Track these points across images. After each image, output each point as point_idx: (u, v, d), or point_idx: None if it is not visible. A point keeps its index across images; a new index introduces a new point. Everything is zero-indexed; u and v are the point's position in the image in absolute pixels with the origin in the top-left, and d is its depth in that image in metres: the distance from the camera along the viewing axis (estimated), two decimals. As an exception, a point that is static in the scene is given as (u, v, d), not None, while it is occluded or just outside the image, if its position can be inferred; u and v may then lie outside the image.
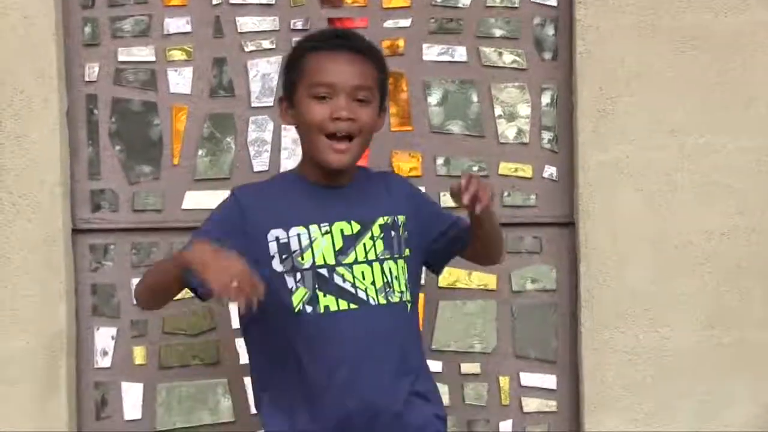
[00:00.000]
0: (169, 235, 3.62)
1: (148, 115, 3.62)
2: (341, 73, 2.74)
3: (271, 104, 3.63)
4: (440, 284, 3.64)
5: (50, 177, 3.51)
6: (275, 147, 3.64)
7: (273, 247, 2.77)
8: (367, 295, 2.77)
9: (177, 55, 3.62)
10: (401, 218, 2.88)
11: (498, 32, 3.66)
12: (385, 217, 2.83)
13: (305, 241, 2.75)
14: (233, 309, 3.60)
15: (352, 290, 2.76)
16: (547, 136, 3.67)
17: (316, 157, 2.81)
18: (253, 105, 3.63)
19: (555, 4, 3.65)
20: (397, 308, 2.82)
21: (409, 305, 2.86)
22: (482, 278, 3.66)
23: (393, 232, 2.80)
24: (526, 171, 3.67)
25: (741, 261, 3.58)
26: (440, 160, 3.67)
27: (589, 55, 3.56)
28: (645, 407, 3.58)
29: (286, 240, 2.74)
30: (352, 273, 2.76)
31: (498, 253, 3.04)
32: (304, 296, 2.77)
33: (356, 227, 2.77)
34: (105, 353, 3.62)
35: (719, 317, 3.60)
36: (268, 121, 3.64)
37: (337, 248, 2.76)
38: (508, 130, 3.67)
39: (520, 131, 3.67)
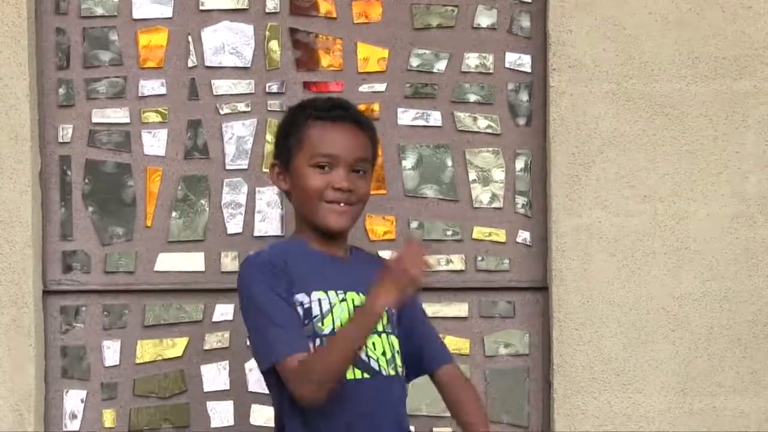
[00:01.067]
0: (142, 297, 3.61)
1: (122, 177, 3.62)
2: (343, 144, 2.76)
3: (246, 167, 3.65)
4: (413, 348, 3.61)
5: (21, 238, 3.50)
6: (249, 209, 3.64)
7: (301, 312, 2.75)
8: (379, 366, 2.75)
9: (152, 116, 3.63)
10: None
11: (473, 97, 3.68)
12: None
13: (326, 307, 2.73)
14: (205, 372, 3.57)
15: (366, 359, 2.74)
16: (521, 200, 3.67)
17: (315, 221, 2.80)
18: (227, 167, 3.64)
19: (529, 70, 3.67)
20: (400, 381, 2.81)
21: (405, 380, 2.85)
22: (456, 342, 3.64)
23: (392, 309, 2.79)
24: (500, 235, 3.67)
25: (713, 327, 3.60)
26: (414, 224, 3.67)
27: (563, 120, 3.58)
28: (617, 473, 3.59)
29: (308, 305, 2.72)
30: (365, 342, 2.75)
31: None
32: None
33: (363, 298, 2.75)
34: (74, 416, 3.59)
35: (691, 383, 3.60)
36: (243, 183, 3.64)
37: (351, 317, 2.75)
38: (482, 195, 3.68)
39: (494, 196, 3.68)
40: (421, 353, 2.89)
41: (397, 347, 2.81)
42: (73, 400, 3.60)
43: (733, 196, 3.60)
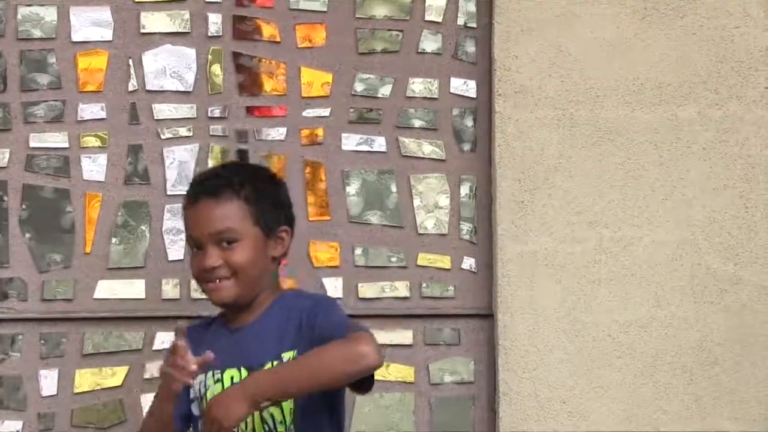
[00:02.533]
0: (80, 325, 3.56)
1: (61, 203, 3.58)
2: (199, 223, 2.72)
3: None
4: (357, 376, 3.58)
5: (-44, 265, 3.45)
6: None
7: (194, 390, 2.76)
8: None
9: (91, 141, 3.59)
10: (289, 355, 2.71)
11: (417, 122, 3.67)
12: (274, 361, 2.70)
13: (203, 389, 2.71)
14: (145, 401, 3.51)
15: None
16: (465, 227, 3.66)
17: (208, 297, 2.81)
18: (169, 192, 3.60)
19: (474, 95, 3.67)
20: None
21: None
22: (400, 370, 3.63)
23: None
24: (445, 262, 3.66)
25: (658, 354, 3.59)
26: (358, 251, 3.65)
27: (508, 146, 3.58)
28: (563, 502, 3.56)
29: (196, 385, 2.70)
30: None
31: (346, 376, 2.61)
32: None
33: (244, 374, 2.69)
34: (10, 448, 3.52)
35: (636, 410, 3.59)
36: None
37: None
38: (427, 221, 3.66)
39: (438, 222, 3.67)
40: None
41: (281, 416, 2.67)
42: (9, 431, 3.54)
43: (679, 222, 3.61)
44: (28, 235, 3.58)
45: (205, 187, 2.74)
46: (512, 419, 3.55)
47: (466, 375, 3.65)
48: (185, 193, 2.81)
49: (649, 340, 3.59)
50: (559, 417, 3.56)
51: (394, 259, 3.65)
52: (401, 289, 3.66)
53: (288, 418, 2.69)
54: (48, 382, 3.57)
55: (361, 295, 3.58)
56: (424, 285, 3.66)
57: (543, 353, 3.57)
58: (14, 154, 3.58)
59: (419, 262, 3.66)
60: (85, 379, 3.58)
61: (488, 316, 3.63)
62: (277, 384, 2.54)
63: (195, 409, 2.77)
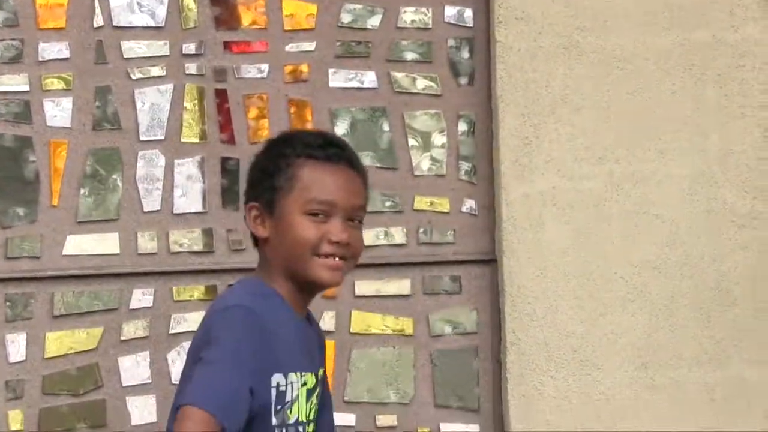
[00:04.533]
0: (49, 284, 3.51)
1: (23, 152, 3.51)
2: (342, 190, 2.44)
3: (162, 137, 3.55)
4: (352, 330, 3.57)
5: None
6: (168, 185, 3.55)
7: (273, 396, 2.40)
8: None
9: (54, 83, 3.53)
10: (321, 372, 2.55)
11: (410, 55, 3.63)
12: (321, 370, 2.51)
13: (295, 392, 2.42)
14: (123, 364, 3.49)
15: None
16: (464, 166, 3.63)
17: (304, 275, 2.46)
18: (141, 138, 3.55)
19: (471, 24, 3.64)
20: None
21: None
22: (398, 322, 3.60)
23: (321, 388, 2.50)
24: (443, 205, 3.63)
25: (673, 295, 3.60)
26: None
27: (510, 78, 3.54)
28: (576, 456, 3.58)
29: (284, 387, 2.40)
30: None
31: None
32: None
33: (313, 380, 2.45)
34: (-25, 419, 3.49)
35: (652, 356, 3.59)
36: (159, 155, 3.55)
37: (308, 403, 2.45)
38: (422, 162, 3.63)
39: (435, 162, 3.63)
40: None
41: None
42: (-26, 401, 3.48)
43: (693, 155, 3.59)
44: (-13, 188, 3.52)
45: (348, 153, 2.49)
46: (520, 370, 3.53)
47: (469, 325, 3.63)
48: (300, 147, 2.45)
49: (664, 281, 3.58)
50: (570, 366, 3.55)
51: (388, 204, 3.62)
52: (397, 235, 3.63)
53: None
54: (15, 347, 3.52)
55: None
56: (421, 230, 3.63)
57: (551, 299, 3.55)
58: (-31, 99, 3.51)
59: (416, 206, 3.62)
60: (57, 343, 3.52)
61: (491, 261, 3.60)
62: None
63: (273, 419, 2.44)
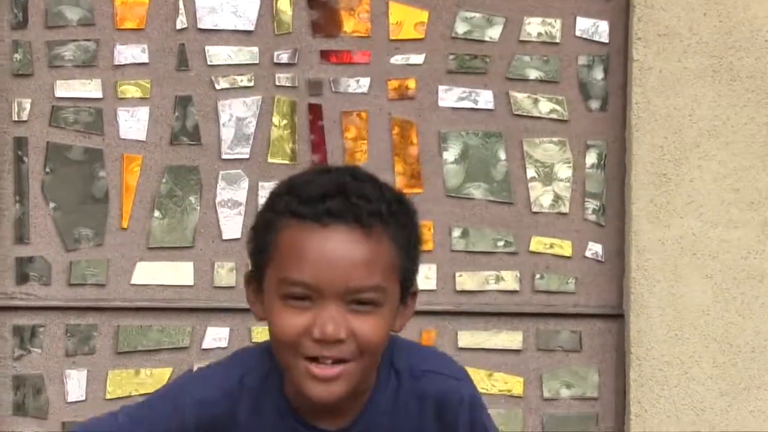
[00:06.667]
0: (114, 316, 3.47)
1: (92, 166, 3.49)
2: (328, 268, 1.86)
3: (247, 156, 3.50)
4: (454, 388, 3.40)
5: (-35, 240, 3.50)
6: (251, 210, 3.46)
7: None
8: None
9: (130, 91, 3.50)
10: None
11: (533, 74, 3.54)
12: None
13: None
14: None
15: None
16: (591, 205, 3.54)
17: (295, 385, 1.94)
18: (223, 156, 3.50)
19: (606, 40, 3.53)
20: None
21: None
22: (506, 381, 3.52)
23: None
24: (565, 248, 3.54)
25: None
26: (456, 232, 3.53)
27: (648, 104, 3.42)
28: None
29: None
30: None
31: None
32: None
33: None
34: (28, 463, 3.60)
35: None
36: (243, 176, 3.50)
37: None
38: (542, 197, 3.53)
39: (557, 198, 3.54)
40: None
41: None
42: (27, 443, 3.59)
43: None
44: (52, 205, 3.50)
45: (351, 204, 1.90)
46: (646, 447, 3.36)
47: (588, 389, 3.54)
48: (288, 198, 1.93)
49: (823, 356, 3.43)
50: (707, 447, 3.38)
51: (500, 243, 3.53)
52: (509, 280, 3.55)
53: None
54: (75, 384, 3.50)
55: (459, 287, 3.48)
56: (537, 276, 3.54)
57: (687, 366, 3.42)
58: (36, 105, 3.49)
59: (532, 248, 3.54)
60: (119, 382, 3.50)
61: (617, 316, 3.50)
62: None
63: None
